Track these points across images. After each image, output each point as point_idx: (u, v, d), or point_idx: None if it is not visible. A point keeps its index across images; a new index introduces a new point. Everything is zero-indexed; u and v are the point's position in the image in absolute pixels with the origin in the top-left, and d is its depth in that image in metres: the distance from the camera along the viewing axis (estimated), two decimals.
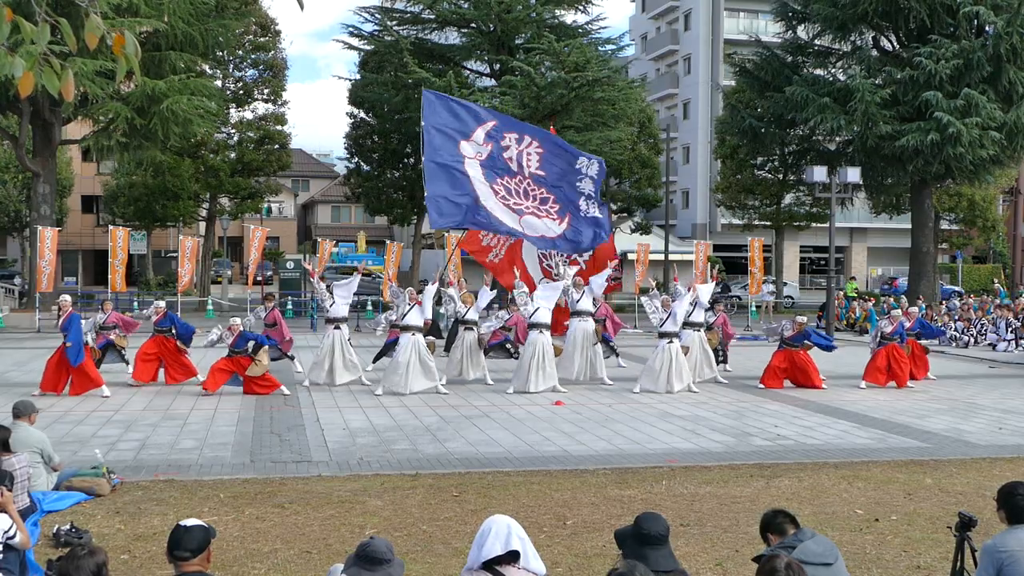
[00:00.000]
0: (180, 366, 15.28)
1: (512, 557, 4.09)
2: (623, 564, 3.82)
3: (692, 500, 8.44)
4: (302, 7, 4.00)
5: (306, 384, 15.33)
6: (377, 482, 8.95)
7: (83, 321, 14.46)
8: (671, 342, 15.36)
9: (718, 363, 17.23)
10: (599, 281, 16.63)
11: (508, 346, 18.66)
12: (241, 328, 14.32)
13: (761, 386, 15.85)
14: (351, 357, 15.54)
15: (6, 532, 5.46)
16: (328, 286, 15.75)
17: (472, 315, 16.02)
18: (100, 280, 49.81)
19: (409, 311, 14.67)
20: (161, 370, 15.36)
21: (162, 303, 15.54)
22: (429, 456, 10.21)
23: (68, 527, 7.09)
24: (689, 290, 16.28)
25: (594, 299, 16.72)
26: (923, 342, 17.31)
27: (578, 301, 16.07)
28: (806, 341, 16.00)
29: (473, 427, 11.98)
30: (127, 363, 15.76)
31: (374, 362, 16.91)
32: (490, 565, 4.08)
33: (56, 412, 12.49)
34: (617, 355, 18.40)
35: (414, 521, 7.64)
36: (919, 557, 6.95)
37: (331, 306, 15.47)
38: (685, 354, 15.59)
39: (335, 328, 15.46)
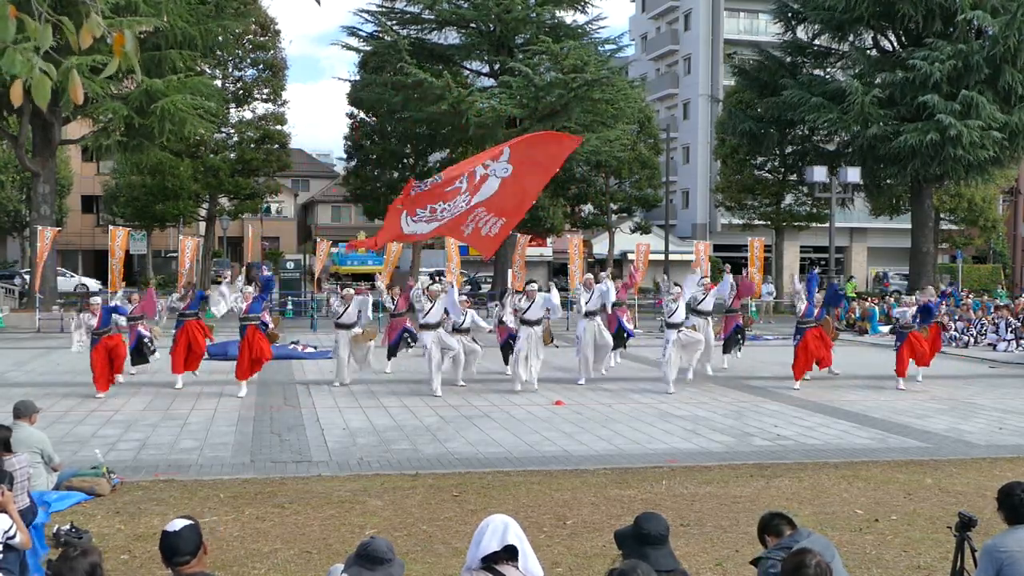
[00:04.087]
0: (196, 357, 15.38)
1: (510, 555, 4.08)
2: (626, 563, 3.82)
3: (692, 500, 8.43)
4: (319, 2, 4.00)
5: (336, 385, 15.45)
6: (377, 482, 8.95)
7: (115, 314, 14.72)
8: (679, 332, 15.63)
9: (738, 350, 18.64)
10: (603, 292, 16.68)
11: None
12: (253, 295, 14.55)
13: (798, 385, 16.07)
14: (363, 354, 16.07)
15: (6, 532, 5.44)
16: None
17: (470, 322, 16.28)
18: (100, 280, 49.79)
19: (431, 309, 14.92)
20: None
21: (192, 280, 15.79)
22: (429, 456, 10.21)
23: (68, 527, 7.10)
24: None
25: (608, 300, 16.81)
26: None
27: (587, 303, 16.22)
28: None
29: (473, 427, 11.98)
30: (153, 356, 16.17)
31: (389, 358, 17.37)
32: (489, 564, 4.07)
33: (56, 412, 12.49)
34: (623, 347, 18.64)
35: (414, 521, 7.64)
36: (919, 557, 6.94)
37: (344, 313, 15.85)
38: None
39: (345, 330, 15.72)
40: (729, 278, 17.89)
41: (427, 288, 15.71)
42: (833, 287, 19.09)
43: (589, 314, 16.09)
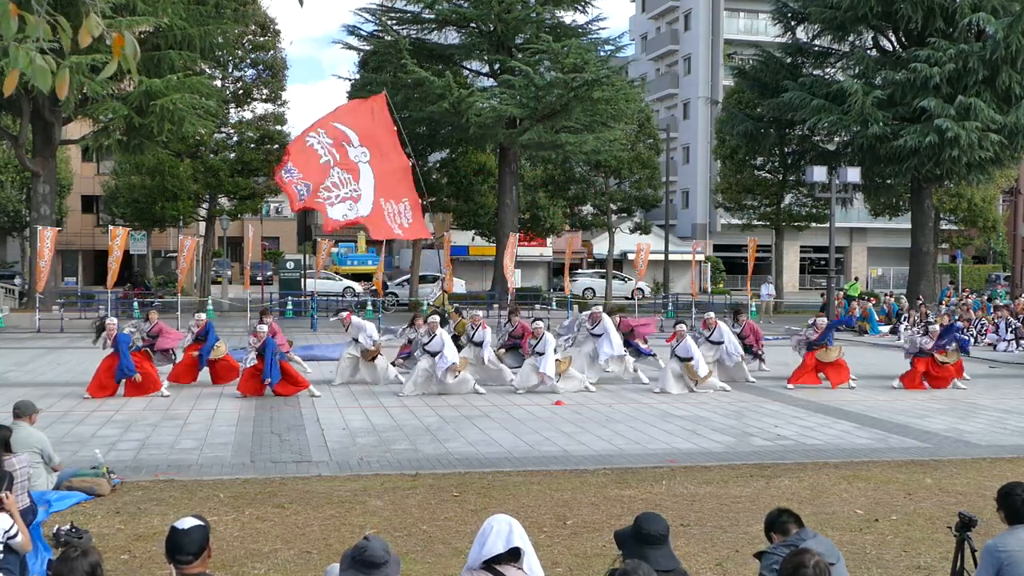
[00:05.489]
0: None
1: (513, 556, 4.08)
2: (626, 563, 3.81)
3: (692, 500, 8.43)
4: (301, 3, 4.00)
5: (336, 383, 15.50)
6: (377, 482, 8.95)
7: (130, 332, 14.41)
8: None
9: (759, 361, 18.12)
10: None
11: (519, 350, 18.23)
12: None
13: (791, 386, 15.92)
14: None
15: (6, 532, 5.44)
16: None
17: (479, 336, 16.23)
18: (100, 280, 49.78)
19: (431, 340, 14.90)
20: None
21: (203, 315, 15.50)
22: (429, 456, 10.21)
23: (68, 527, 7.09)
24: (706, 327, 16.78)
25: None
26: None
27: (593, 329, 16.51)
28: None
29: (473, 427, 11.98)
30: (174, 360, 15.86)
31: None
32: (490, 565, 4.07)
33: (56, 412, 12.50)
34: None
35: (414, 521, 7.64)
36: (919, 557, 6.94)
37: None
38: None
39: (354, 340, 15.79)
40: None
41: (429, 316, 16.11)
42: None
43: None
